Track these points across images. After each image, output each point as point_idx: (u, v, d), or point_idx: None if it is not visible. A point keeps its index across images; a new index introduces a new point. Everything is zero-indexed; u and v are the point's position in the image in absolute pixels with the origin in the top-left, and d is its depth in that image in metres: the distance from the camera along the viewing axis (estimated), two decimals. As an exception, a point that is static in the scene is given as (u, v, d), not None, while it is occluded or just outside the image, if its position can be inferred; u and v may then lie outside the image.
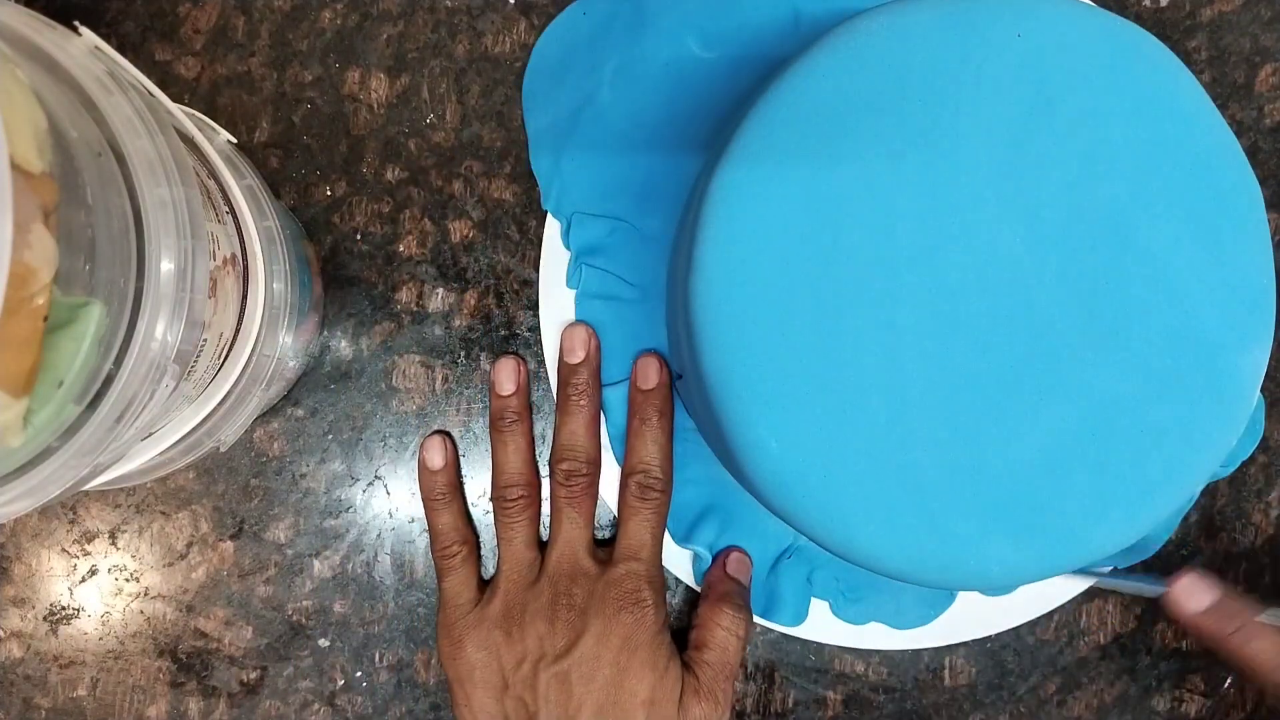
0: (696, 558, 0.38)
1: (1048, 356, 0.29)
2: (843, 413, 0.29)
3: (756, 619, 0.38)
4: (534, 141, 0.38)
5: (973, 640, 0.39)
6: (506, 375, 0.37)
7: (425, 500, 0.38)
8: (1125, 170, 0.29)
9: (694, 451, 0.37)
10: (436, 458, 0.37)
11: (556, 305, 0.37)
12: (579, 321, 0.37)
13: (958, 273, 0.29)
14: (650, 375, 0.36)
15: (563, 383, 0.37)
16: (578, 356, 0.36)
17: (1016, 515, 0.29)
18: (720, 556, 0.37)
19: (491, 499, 0.37)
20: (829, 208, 0.29)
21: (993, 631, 0.38)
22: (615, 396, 0.37)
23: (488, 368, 0.39)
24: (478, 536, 0.39)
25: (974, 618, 0.38)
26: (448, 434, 0.38)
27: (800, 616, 0.37)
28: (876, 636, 0.38)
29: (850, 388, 0.29)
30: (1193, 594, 0.34)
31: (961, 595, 0.38)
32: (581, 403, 0.36)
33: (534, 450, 0.37)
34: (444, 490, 0.37)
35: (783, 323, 0.29)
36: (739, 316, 0.29)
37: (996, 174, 0.29)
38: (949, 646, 0.39)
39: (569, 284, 0.37)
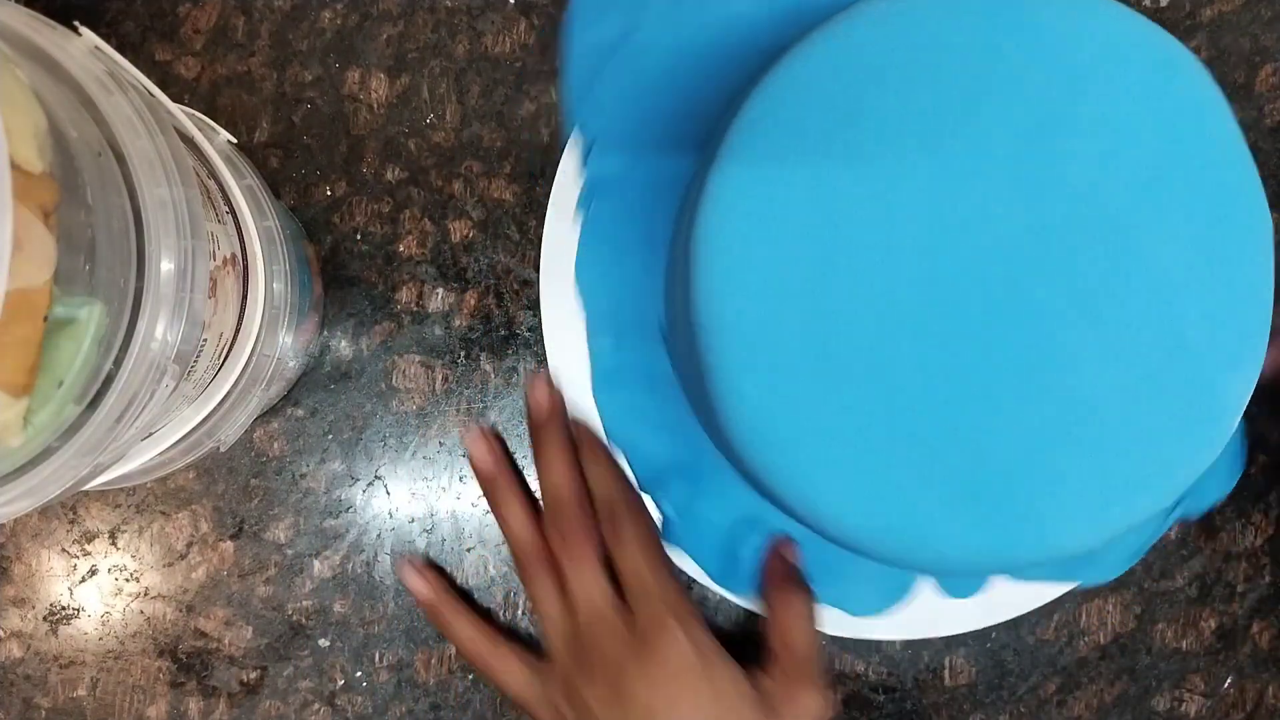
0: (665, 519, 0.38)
1: (1037, 352, 0.29)
2: (826, 374, 0.29)
3: (713, 585, 0.37)
4: (574, 57, 0.37)
5: (972, 640, 0.39)
6: (479, 449, 0.38)
7: (439, 628, 0.38)
8: (1135, 174, 0.29)
9: (671, 400, 0.37)
10: (419, 587, 0.38)
11: (558, 302, 0.37)
12: (535, 374, 0.38)
13: (955, 258, 0.29)
14: (542, 402, 0.37)
15: (532, 432, 0.37)
16: (544, 412, 0.37)
17: (981, 500, 0.29)
18: (771, 544, 0.37)
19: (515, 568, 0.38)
20: (835, 181, 0.29)
21: (984, 625, 0.38)
22: (602, 346, 0.37)
23: (488, 368, 0.39)
24: (498, 625, 0.39)
25: (969, 613, 0.38)
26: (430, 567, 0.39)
27: (755, 588, 0.37)
28: (844, 624, 0.38)
29: (836, 353, 0.29)
30: None
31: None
32: (551, 441, 0.36)
33: (533, 504, 0.37)
34: (445, 619, 0.38)
35: (779, 283, 0.29)
36: (738, 272, 0.29)
37: (1001, 165, 0.29)
38: (949, 647, 0.39)
39: (577, 207, 0.37)
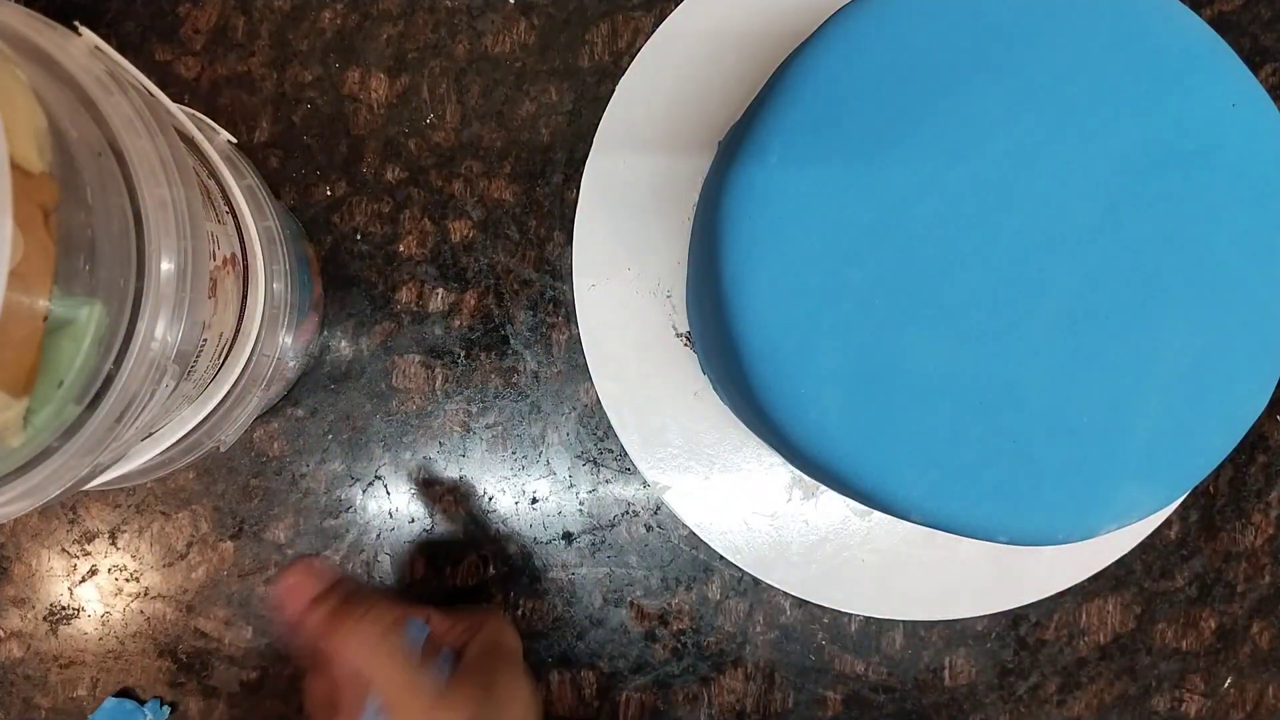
0: None
1: (1073, 349, 0.29)
2: (870, 361, 0.29)
3: None
4: None
5: (972, 640, 0.39)
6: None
7: None
8: (1178, 162, 0.29)
9: None
10: None
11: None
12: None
13: (995, 243, 0.29)
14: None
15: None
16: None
17: (1045, 473, 0.29)
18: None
19: None
20: (870, 169, 0.29)
21: (986, 611, 0.38)
22: None
23: (488, 368, 0.39)
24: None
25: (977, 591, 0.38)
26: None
27: None
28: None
29: (881, 344, 0.29)
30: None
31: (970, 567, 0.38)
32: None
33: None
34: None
35: (818, 278, 0.29)
36: (771, 270, 0.29)
37: (1034, 153, 0.29)
38: (949, 646, 0.39)
39: None
